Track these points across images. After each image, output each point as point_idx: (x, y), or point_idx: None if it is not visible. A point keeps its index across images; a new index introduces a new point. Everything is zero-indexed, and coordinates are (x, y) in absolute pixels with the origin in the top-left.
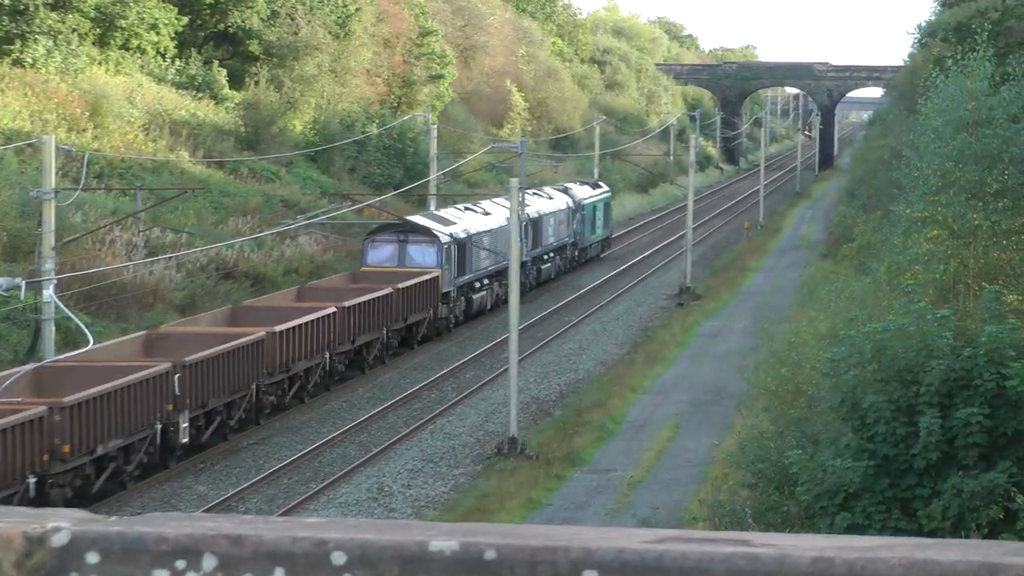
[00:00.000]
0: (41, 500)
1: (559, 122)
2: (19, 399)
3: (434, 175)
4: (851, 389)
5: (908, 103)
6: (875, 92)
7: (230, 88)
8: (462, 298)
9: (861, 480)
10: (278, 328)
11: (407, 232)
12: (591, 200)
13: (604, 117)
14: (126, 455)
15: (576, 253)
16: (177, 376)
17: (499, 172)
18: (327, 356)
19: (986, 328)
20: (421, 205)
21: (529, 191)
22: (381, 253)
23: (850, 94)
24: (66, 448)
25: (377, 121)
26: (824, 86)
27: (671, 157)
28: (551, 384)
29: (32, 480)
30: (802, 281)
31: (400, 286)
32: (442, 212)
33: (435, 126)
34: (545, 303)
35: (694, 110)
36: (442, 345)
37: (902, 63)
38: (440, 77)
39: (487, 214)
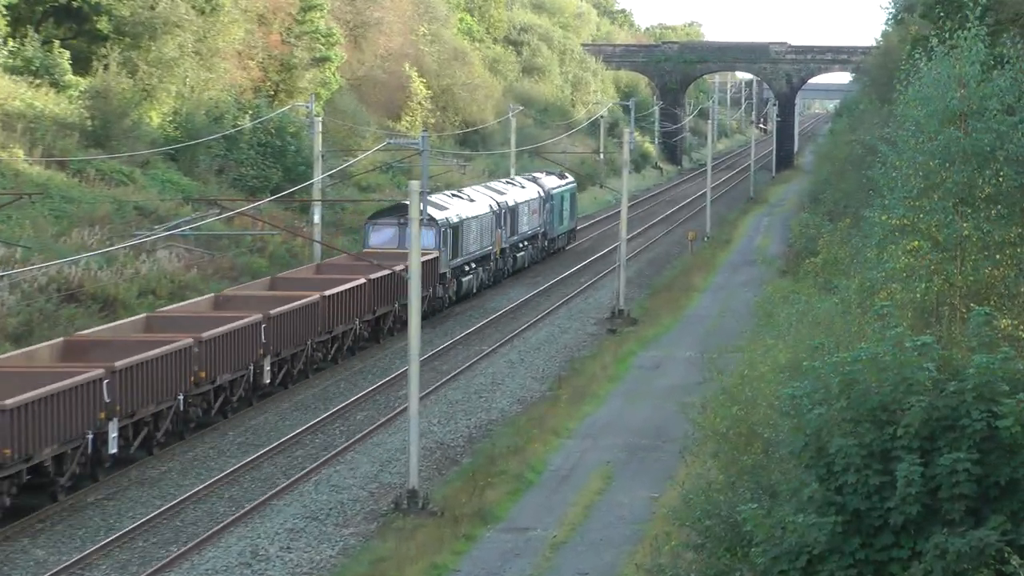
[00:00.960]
0: None
1: (468, 113)
2: None
3: (319, 177)
4: (815, 431)
5: (882, 90)
6: (842, 77)
7: (74, 73)
8: (455, 280)
9: (828, 539)
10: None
11: (406, 215)
12: (559, 190)
13: (521, 108)
14: (58, 465)
15: (546, 243)
16: (106, 382)
17: (396, 173)
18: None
19: (975, 358)
20: (304, 212)
21: (502, 180)
22: (382, 235)
23: (813, 80)
24: (7, 451)
25: (251, 113)
26: (782, 70)
27: (601, 155)
28: (459, 426)
29: None
30: (757, 302)
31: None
32: (433, 197)
33: (320, 118)
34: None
35: (628, 99)
36: (334, 378)
37: (874, 43)
38: (326, 60)
39: (472, 201)
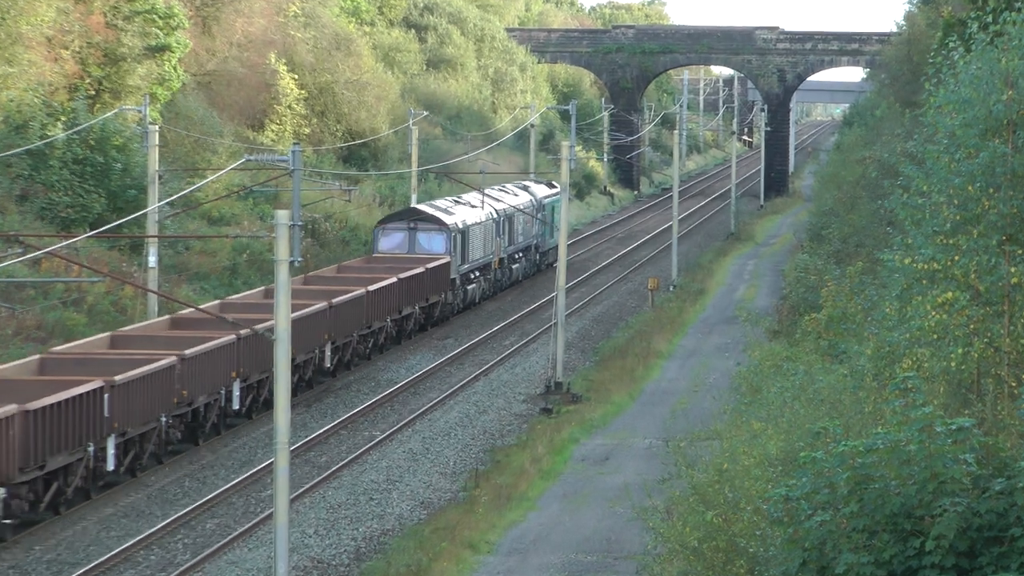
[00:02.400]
0: None
1: (354, 121)
2: None
3: (155, 205)
4: (817, 544)
5: (905, 91)
6: (852, 74)
7: None
8: (462, 287)
9: None
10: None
11: (416, 220)
12: (550, 200)
13: (425, 113)
14: (64, 477)
15: (538, 257)
16: (107, 395)
17: (259, 200)
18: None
19: None
20: (135, 252)
21: (495, 187)
22: (391, 240)
23: (813, 77)
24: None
25: (64, 119)
26: (772, 64)
27: (532, 176)
28: (342, 539)
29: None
30: (739, 373)
31: (416, 271)
32: (437, 202)
33: (156, 127)
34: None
35: (568, 102)
36: (182, 472)
37: (894, 29)
38: (164, 49)
39: (474, 207)
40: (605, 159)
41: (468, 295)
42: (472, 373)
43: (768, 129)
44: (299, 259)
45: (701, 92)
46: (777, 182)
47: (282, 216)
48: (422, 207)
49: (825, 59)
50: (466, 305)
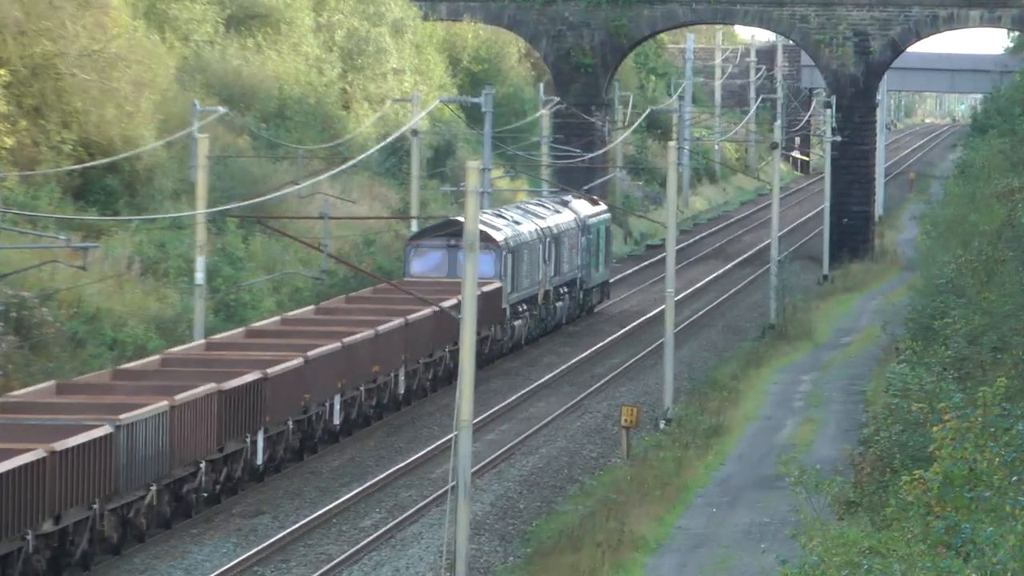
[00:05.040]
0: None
1: (94, 124)
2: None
3: None
4: None
5: None
6: (988, 41)
7: None
8: (511, 322)
9: None
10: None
11: (458, 235)
12: (595, 221)
13: (223, 110)
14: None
15: (582, 295)
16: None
17: None
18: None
19: None
20: None
21: (532, 201)
22: (427, 261)
23: (916, 47)
24: None
25: None
26: (846, 23)
27: (413, 225)
28: None
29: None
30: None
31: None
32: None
33: None
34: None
35: (480, 90)
36: None
37: None
38: None
39: (518, 223)
40: (546, 192)
41: (515, 332)
42: None
43: (838, 139)
44: None
45: (718, 74)
46: (853, 234)
47: None
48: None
49: (940, 14)
50: (514, 344)
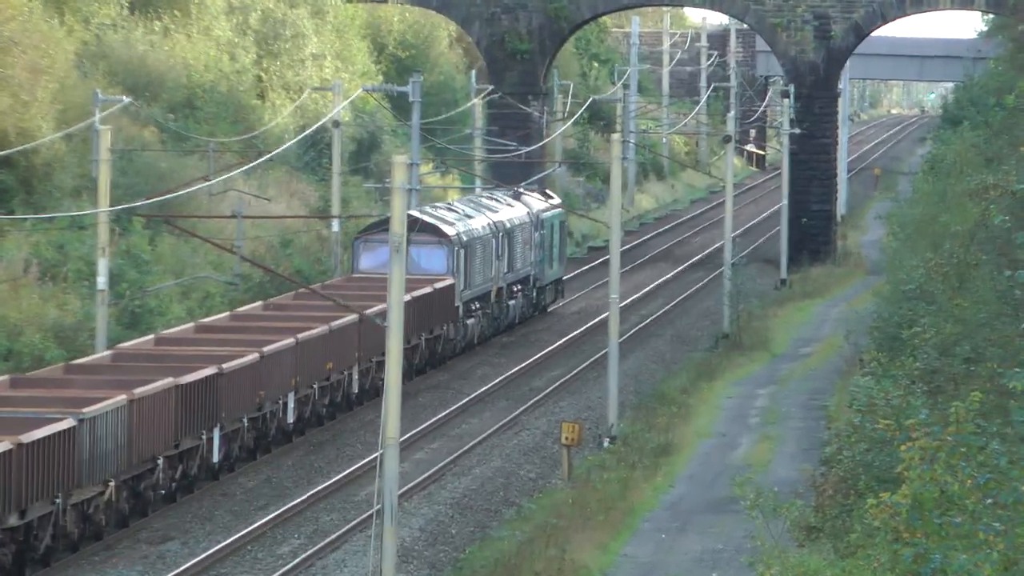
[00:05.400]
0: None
1: None
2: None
3: None
4: None
5: None
6: (960, 25)
7: None
8: (463, 320)
9: None
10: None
11: (409, 230)
12: (549, 216)
13: (127, 99)
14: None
15: (535, 293)
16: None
17: None
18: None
19: None
20: None
21: (483, 194)
22: (376, 257)
23: (881, 31)
24: None
25: None
26: (805, 6)
27: (334, 228)
28: None
29: None
30: None
31: (421, 292)
32: (430, 208)
33: None
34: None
35: (407, 78)
36: None
37: None
38: None
39: (470, 217)
40: (479, 188)
41: (468, 330)
42: None
43: (797, 132)
44: None
45: (666, 60)
46: (814, 235)
47: None
48: (415, 212)
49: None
50: (466, 344)
